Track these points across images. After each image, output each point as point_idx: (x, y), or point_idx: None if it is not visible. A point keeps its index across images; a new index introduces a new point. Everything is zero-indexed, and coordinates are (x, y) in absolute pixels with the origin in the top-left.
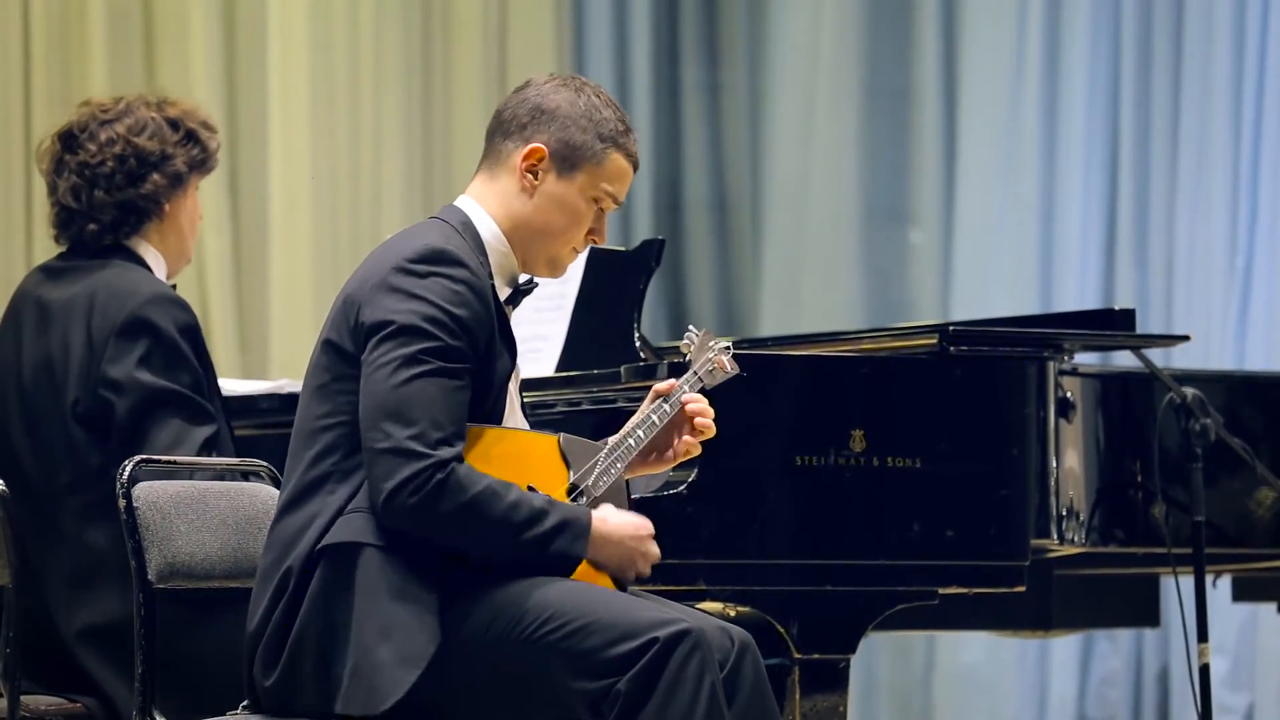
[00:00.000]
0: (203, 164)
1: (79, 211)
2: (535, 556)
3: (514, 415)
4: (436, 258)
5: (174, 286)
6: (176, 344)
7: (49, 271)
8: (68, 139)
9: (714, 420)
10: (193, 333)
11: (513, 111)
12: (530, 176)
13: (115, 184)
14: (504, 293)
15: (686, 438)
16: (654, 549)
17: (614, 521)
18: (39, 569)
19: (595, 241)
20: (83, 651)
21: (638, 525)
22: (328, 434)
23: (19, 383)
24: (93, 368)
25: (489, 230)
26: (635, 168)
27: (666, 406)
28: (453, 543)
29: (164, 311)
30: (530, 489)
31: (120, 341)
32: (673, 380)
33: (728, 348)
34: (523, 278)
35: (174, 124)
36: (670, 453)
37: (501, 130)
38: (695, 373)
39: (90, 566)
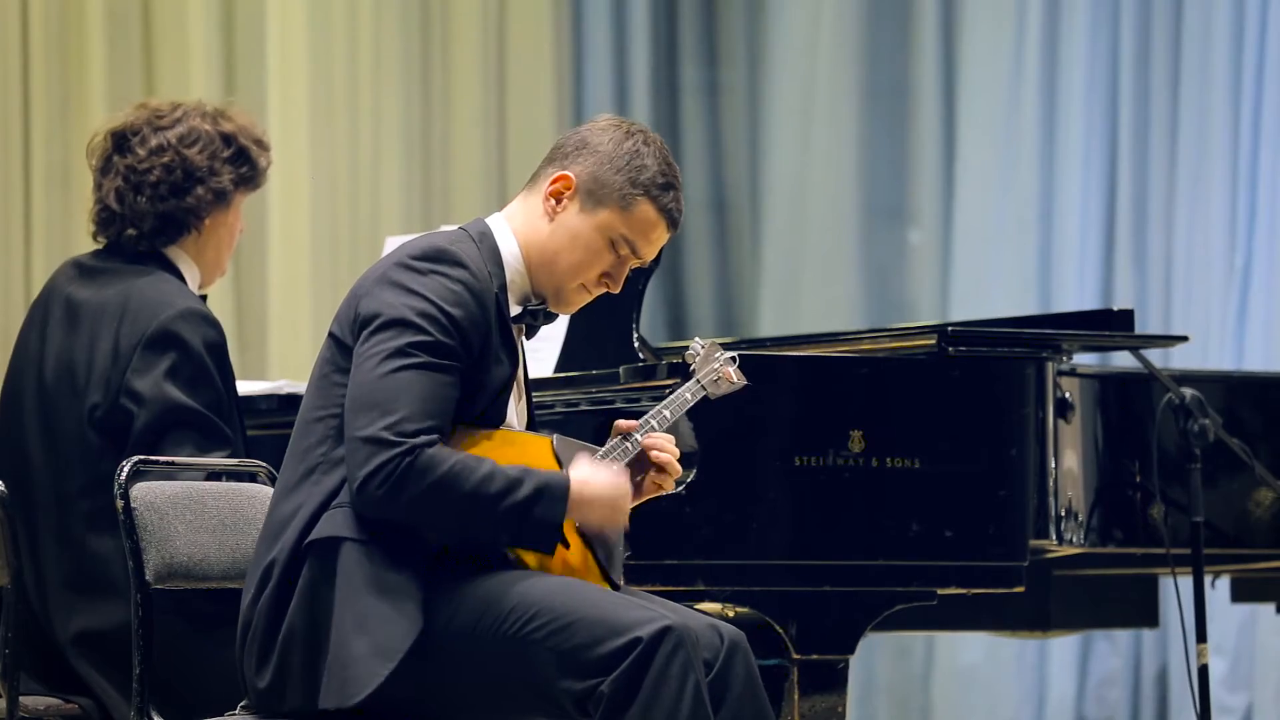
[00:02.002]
0: (250, 181)
1: (120, 215)
2: (516, 525)
3: (514, 425)
4: (438, 256)
5: (204, 297)
6: (203, 361)
7: (83, 269)
8: (119, 139)
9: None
10: (219, 351)
11: (564, 141)
12: (553, 202)
13: (159, 194)
14: (514, 309)
15: (653, 475)
16: (628, 504)
17: (595, 484)
18: (39, 569)
19: (609, 287)
20: (76, 656)
21: (617, 484)
22: (320, 425)
23: (40, 379)
24: (116, 375)
25: (509, 248)
26: (671, 226)
27: (637, 437)
28: (431, 523)
29: (193, 327)
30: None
31: (146, 353)
32: (634, 422)
33: (733, 359)
34: (535, 299)
35: (227, 139)
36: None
37: (549, 157)
38: (698, 382)
39: (92, 572)
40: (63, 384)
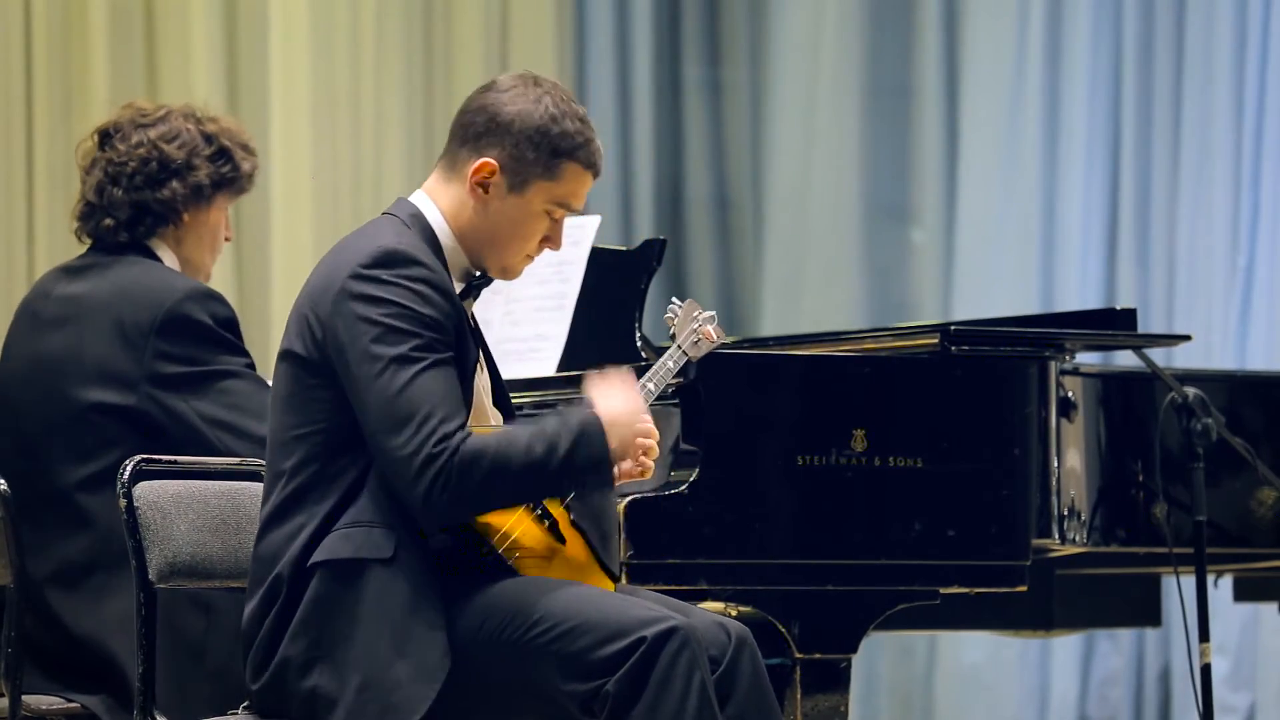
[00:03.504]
0: (231, 183)
1: (98, 206)
2: (572, 475)
3: (482, 408)
4: (391, 260)
5: None
6: (220, 335)
7: (68, 270)
8: (104, 136)
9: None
10: (232, 324)
11: (471, 117)
12: (480, 190)
13: (134, 184)
14: (458, 286)
15: (638, 461)
16: (651, 428)
17: (614, 405)
18: (62, 561)
19: (550, 248)
20: (114, 638)
21: (630, 408)
22: (303, 444)
23: (35, 377)
24: (131, 365)
25: (440, 228)
26: (596, 174)
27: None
28: (499, 505)
29: (201, 306)
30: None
31: (163, 339)
32: None
33: (712, 316)
34: (474, 271)
35: (208, 138)
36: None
37: (460, 134)
38: (679, 347)
39: (123, 552)
40: (69, 376)
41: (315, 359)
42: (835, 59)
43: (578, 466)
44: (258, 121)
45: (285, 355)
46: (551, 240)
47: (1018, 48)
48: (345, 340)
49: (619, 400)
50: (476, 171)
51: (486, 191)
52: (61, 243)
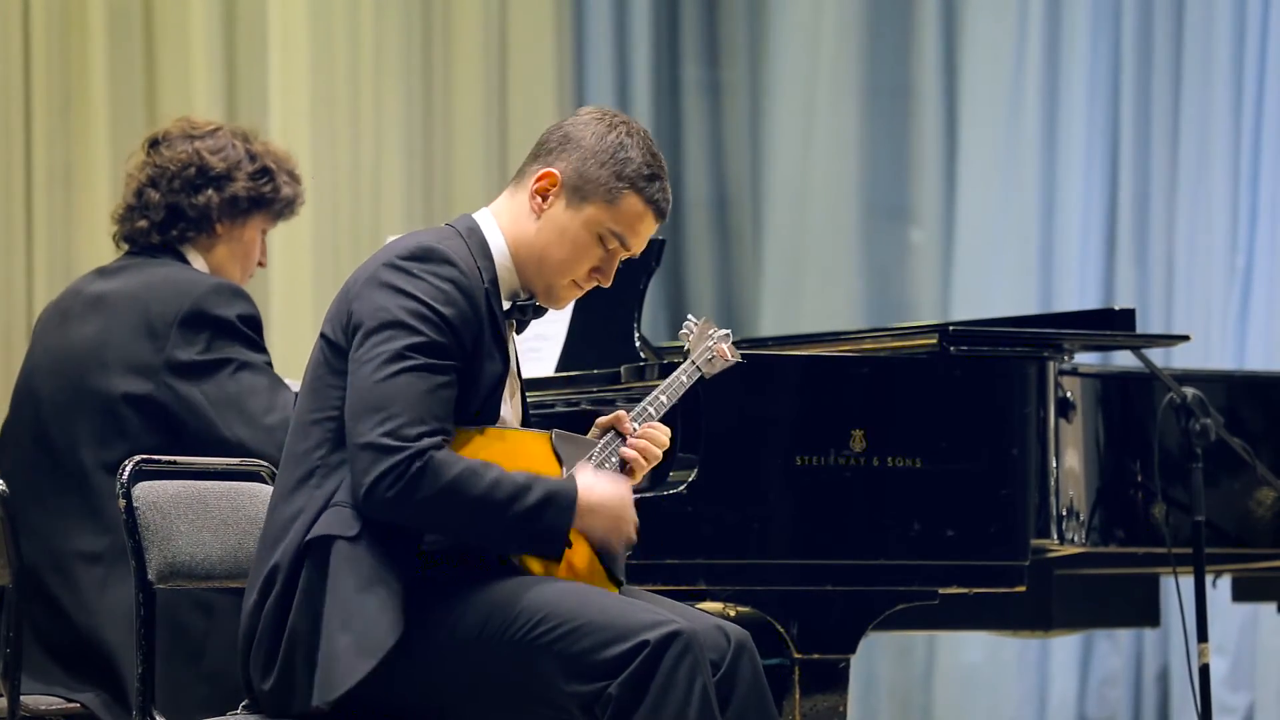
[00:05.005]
0: (269, 204)
1: (135, 208)
2: (523, 532)
3: (510, 422)
4: (426, 255)
5: None
6: (241, 330)
7: (102, 272)
8: (152, 144)
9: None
10: (255, 323)
11: (547, 136)
12: (540, 199)
13: (171, 187)
14: (505, 304)
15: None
16: (633, 514)
17: (599, 490)
18: (74, 552)
19: (599, 282)
20: (111, 633)
21: (621, 493)
22: (316, 429)
23: (62, 368)
24: (154, 355)
25: (496, 244)
26: (659, 216)
27: (633, 427)
28: (439, 527)
29: (226, 301)
30: None
31: (184, 330)
32: (617, 414)
33: (728, 335)
34: (524, 294)
35: (253, 156)
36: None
37: (533, 152)
38: (693, 363)
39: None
40: (90, 367)
41: (341, 344)
42: (834, 59)
43: (534, 526)
44: (257, 123)
45: (321, 338)
46: (602, 273)
47: (1017, 48)
48: (358, 322)
49: (608, 485)
50: (539, 179)
51: (545, 200)
52: (61, 242)
